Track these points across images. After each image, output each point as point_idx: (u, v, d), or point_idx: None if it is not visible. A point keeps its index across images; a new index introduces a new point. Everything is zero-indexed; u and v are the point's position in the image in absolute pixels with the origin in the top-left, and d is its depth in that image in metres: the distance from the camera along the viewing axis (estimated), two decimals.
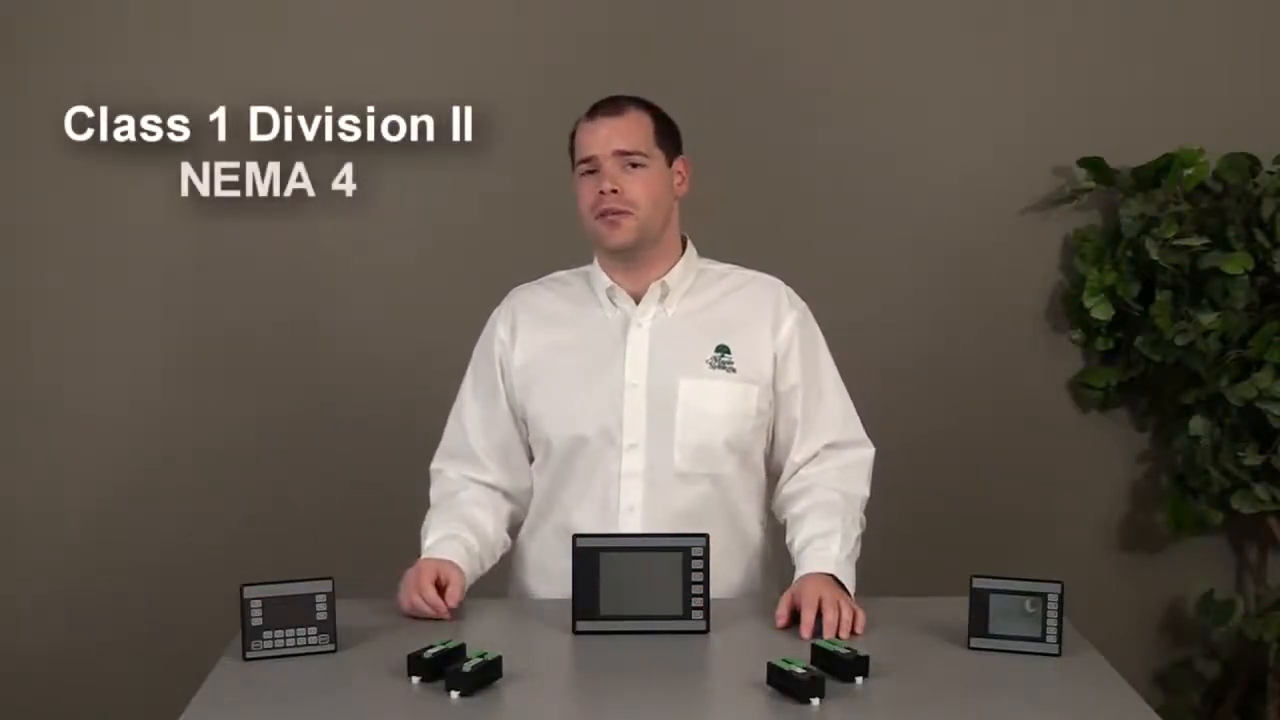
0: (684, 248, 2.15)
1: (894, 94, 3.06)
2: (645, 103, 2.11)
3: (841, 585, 1.97)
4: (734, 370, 2.09)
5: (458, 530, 2.07)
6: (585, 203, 2.07)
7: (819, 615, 1.87)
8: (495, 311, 2.20)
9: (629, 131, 2.06)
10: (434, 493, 2.18)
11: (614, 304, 2.12)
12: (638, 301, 2.11)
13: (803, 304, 2.17)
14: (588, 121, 2.09)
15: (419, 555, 2.05)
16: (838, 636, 1.84)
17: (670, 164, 2.10)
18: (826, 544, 2.02)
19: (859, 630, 1.87)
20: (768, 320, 2.13)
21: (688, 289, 2.13)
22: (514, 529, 2.20)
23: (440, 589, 1.95)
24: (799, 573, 2.00)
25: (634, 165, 2.05)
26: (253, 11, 3.00)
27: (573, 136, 2.12)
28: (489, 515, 2.13)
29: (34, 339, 3.04)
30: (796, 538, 2.06)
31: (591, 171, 2.06)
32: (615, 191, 2.03)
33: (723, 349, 2.10)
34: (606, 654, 1.82)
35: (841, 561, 2.00)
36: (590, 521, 2.05)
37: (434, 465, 2.21)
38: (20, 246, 3.00)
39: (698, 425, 2.07)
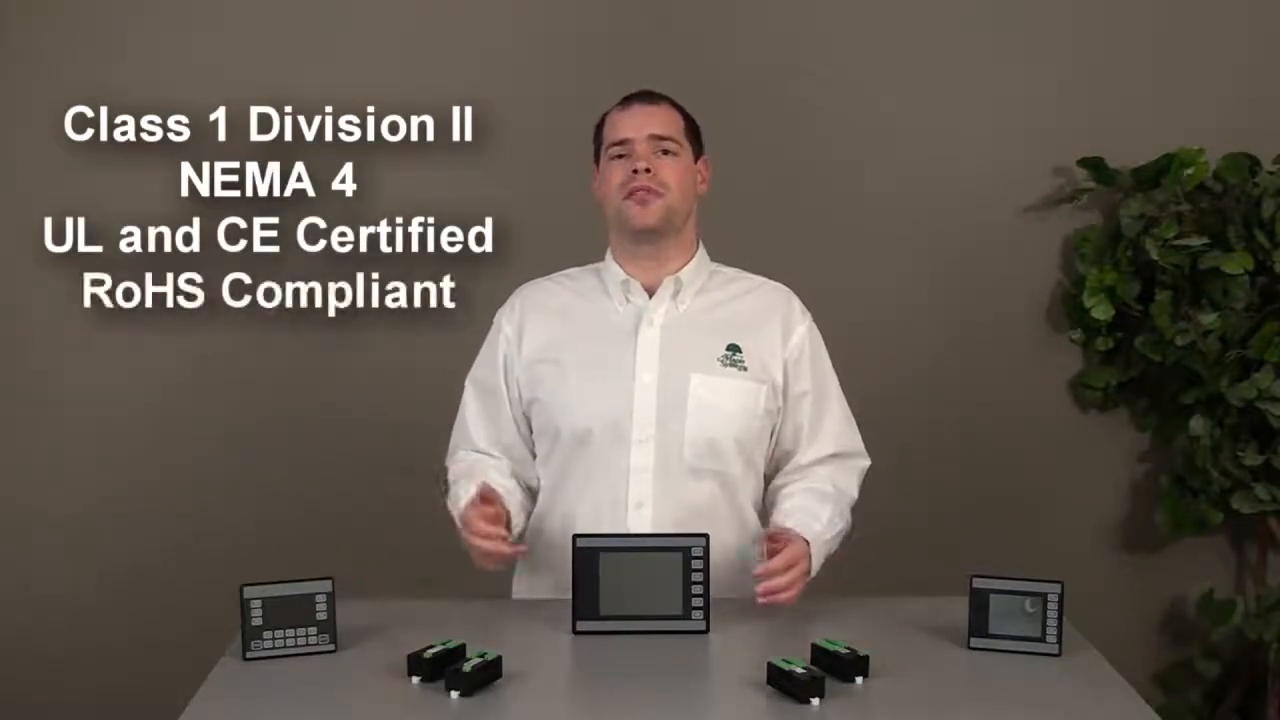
0: (697, 247, 2.17)
1: (894, 94, 3.06)
2: (674, 101, 2.15)
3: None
4: (745, 369, 2.10)
5: (490, 486, 2.04)
6: (613, 183, 2.08)
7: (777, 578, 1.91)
8: (501, 309, 2.20)
9: (664, 119, 2.10)
10: (452, 474, 2.17)
11: (627, 298, 2.12)
12: (651, 296, 2.12)
13: (809, 314, 2.19)
14: (621, 109, 2.12)
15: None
16: (760, 596, 1.89)
17: (696, 160, 2.14)
18: (811, 521, 2.04)
19: (778, 601, 1.90)
20: (779, 326, 2.14)
21: (700, 287, 2.14)
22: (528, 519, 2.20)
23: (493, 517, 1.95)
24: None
25: (666, 151, 2.08)
26: (253, 11, 3.00)
27: (599, 127, 2.15)
28: (512, 481, 2.14)
29: (35, 338, 3.04)
30: (783, 505, 2.09)
31: (623, 155, 2.08)
32: (649, 171, 2.05)
33: (734, 348, 2.10)
34: (606, 654, 1.82)
35: (819, 540, 2.02)
36: (598, 516, 2.05)
37: (446, 461, 2.22)
38: (20, 246, 3.00)
39: (708, 421, 2.07)
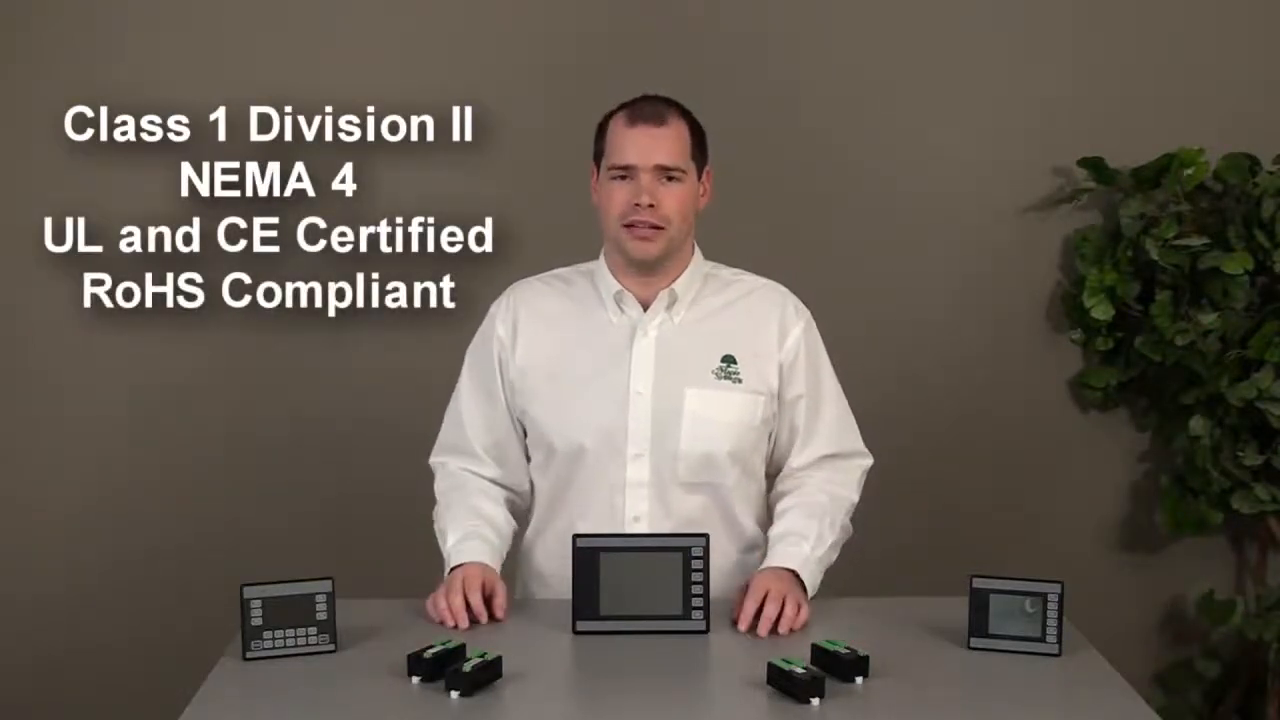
0: (692, 255, 2.13)
1: (894, 94, 3.06)
2: (682, 109, 2.07)
3: (802, 584, 1.98)
4: (740, 380, 2.08)
5: (477, 527, 2.06)
6: (614, 208, 2.03)
7: (761, 609, 1.90)
8: (493, 307, 2.18)
9: (670, 145, 2.02)
10: (439, 486, 2.17)
11: (621, 309, 2.10)
12: (645, 308, 2.10)
13: (807, 313, 2.16)
14: (627, 126, 2.03)
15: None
16: (775, 630, 1.87)
17: (700, 176, 2.09)
18: (799, 542, 2.03)
19: (795, 628, 1.89)
20: (774, 330, 2.12)
21: (694, 296, 2.11)
22: (515, 520, 2.19)
23: (487, 599, 1.95)
24: (764, 564, 2.03)
25: (670, 178, 2.02)
26: (253, 11, 3.00)
27: (601, 129, 2.08)
28: (498, 508, 2.13)
29: (35, 338, 3.04)
30: (776, 527, 2.08)
31: (625, 178, 2.02)
32: (652, 206, 2.00)
33: (729, 359, 2.09)
34: (606, 654, 1.82)
35: (809, 560, 2.01)
36: (594, 529, 2.03)
37: (433, 459, 2.20)
38: (20, 246, 3.00)
39: (703, 436, 2.06)
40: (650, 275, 2.08)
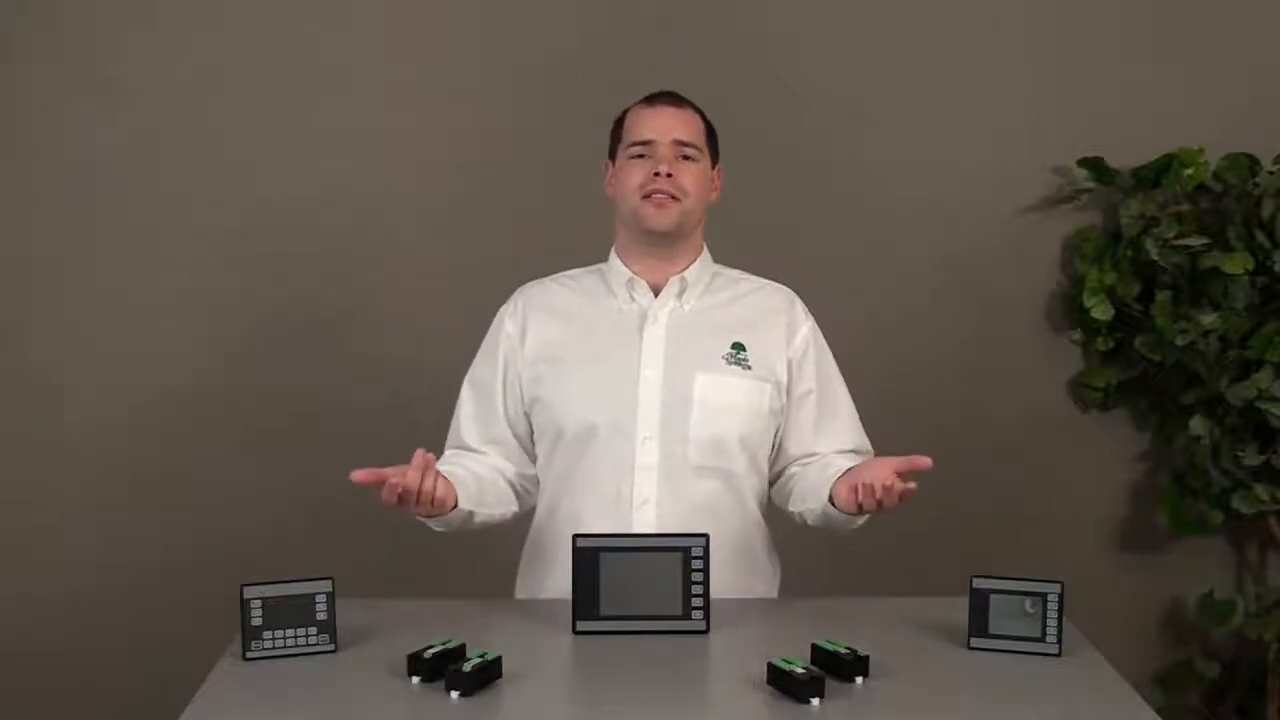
0: (702, 249, 2.18)
1: (894, 94, 3.06)
2: (697, 106, 2.16)
3: None
4: (749, 367, 2.10)
5: (448, 470, 2.06)
6: (632, 183, 2.09)
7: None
8: (503, 308, 2.20)
9: (688, 124, 2.11)
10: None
11: (631, 296, 2.13)
12: (655, 294, 2.12)
13: (812, 316, 2.20)
14: (646, 107, 2.12)
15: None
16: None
17: (712, 168, 2.16)
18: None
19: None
20: (782, 326, 2.15)
21: (704, 287, 2.15)
22: (520, 512, 2.20)
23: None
24: (849, 468, 2.02)
25: (687, 157, 2.09)
26: (253, 11, 3.00)
27: (619, 122, 2.15)
28: (485, 469, 2.15)
29: (34, 337, 3.04)
30: (837, 462, 2.08)
31: (644, 155, 2.09)
32: (670, 176, 2.06)
33: (738, 346, 2.11)
34: (606, 654, 1.82)
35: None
36: (603, 513, 2.05)
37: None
38: (21, 245, 3.00)
39: (712, 419, 2.07)
40: (663, 258, 2.12)
